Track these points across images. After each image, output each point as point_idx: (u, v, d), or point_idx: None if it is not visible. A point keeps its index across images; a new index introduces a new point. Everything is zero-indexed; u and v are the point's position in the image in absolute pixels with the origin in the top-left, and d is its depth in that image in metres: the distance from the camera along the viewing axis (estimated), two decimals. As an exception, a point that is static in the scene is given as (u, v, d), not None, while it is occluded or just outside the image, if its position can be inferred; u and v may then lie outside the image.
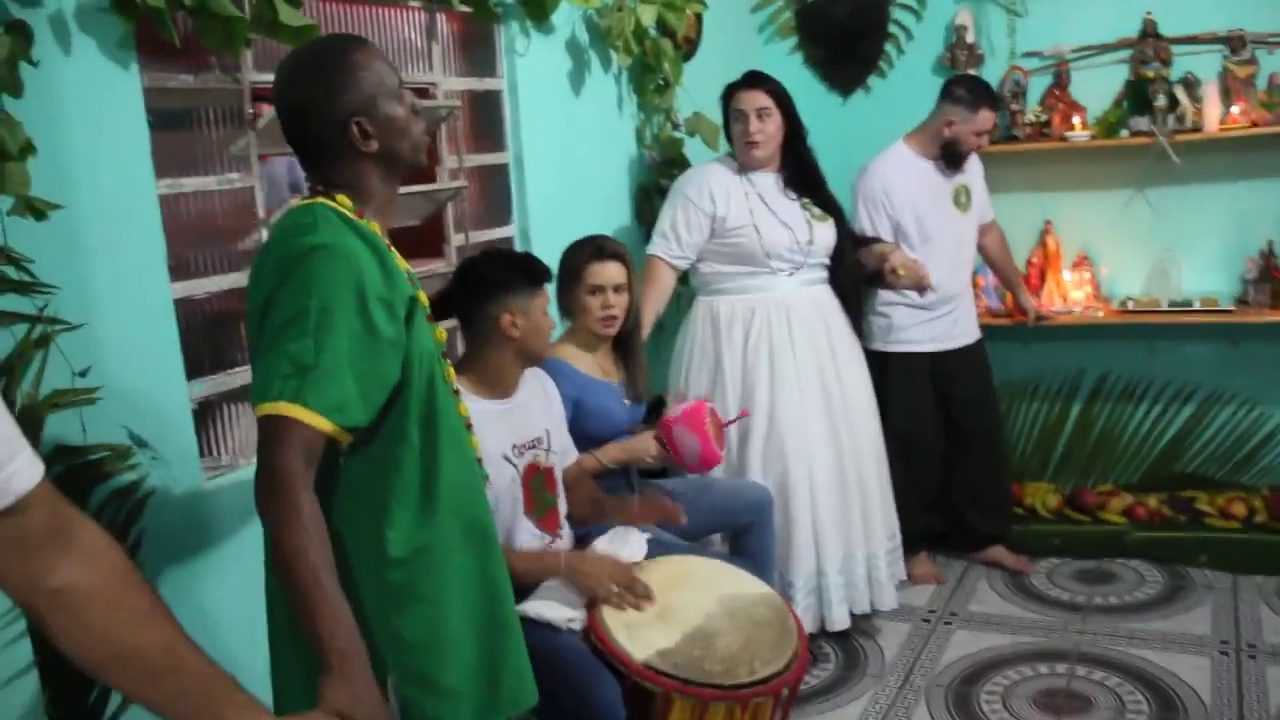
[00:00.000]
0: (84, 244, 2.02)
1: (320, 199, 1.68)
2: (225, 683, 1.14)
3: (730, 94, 3.38)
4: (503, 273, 2.45)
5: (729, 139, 3.46)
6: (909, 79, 4.44)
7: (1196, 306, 4.04)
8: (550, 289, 2.56)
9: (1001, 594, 3.92)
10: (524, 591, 2.38)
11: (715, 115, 3.75)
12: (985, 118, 3.75)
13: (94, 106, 2.04)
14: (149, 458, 2.15)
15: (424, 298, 1.77)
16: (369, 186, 1.72)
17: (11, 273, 1.87)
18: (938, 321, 3.85)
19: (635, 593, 2.41)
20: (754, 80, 3.35)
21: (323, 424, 1.53)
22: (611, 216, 3.71)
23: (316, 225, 1.60)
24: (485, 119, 3.27)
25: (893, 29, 4.47)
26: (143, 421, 2.13)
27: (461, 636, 1.76)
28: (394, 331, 1.62)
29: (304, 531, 1.50)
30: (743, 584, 2.59)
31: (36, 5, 1.92)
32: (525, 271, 2.48)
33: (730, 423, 3.09)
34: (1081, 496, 4.31)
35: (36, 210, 1.83)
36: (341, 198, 1.68)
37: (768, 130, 3.32)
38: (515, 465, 2.46)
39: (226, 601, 2.28)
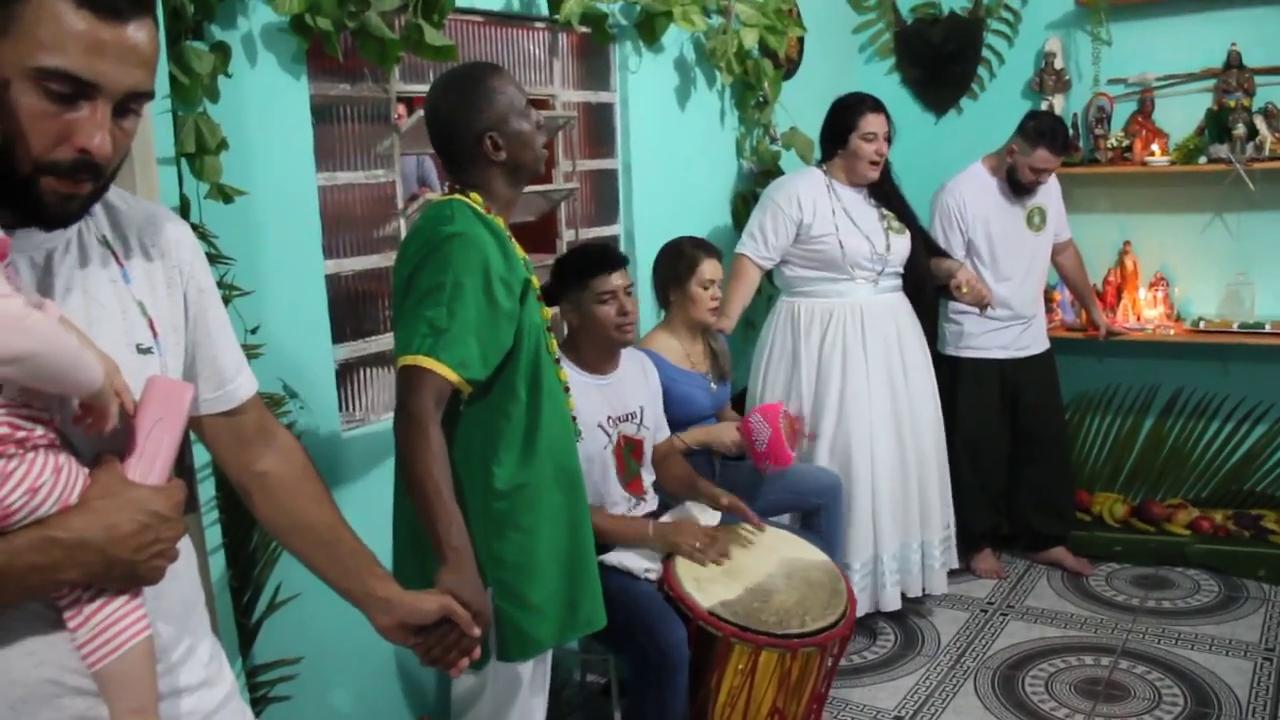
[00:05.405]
0: (258, 224, 2.43)
1: (457, 196, 2.06)
2: (369, 557, 1.50)
3: (860, 113, 3.55)
4: (582, 263, 2.79)
5: (834, 150, 3.63)
6: (999, 102, 4.65)
7: (1268, 329, 4.17)
8: (633, 272, 2.86)
9: (1059, 592, 4.13)
10: (609, 544, 2.74)
11: (810, 131, 4.04)
12: (1041, 156, 3.91)
13: (271, 110, 2.45)
14: (299, 407, 2.55)
15: (536, 281, 2.13)
16: (497, 188, 2.09)
17: (203, 246, 2.27)
18: (1006, 330, 4.08)
19: (714, 549, 2.75)
20: (881, 106, 3.59)
21: (450, 375, 1.91)
22: (710, 219, 4.03)
23: (454, 217, 1.98)
24: (598, 128, 3.63)
25: (986, 53, 4.70)
26: (295, 376, 2.54)
27: (549, 562, 2.10)
28: (510, 306, 1.98)
29: (431, 455, 1.88)
30: (803, 551, 2.91)
31: (233, 27, 2.33)
32: (601, 260, 2.79)
33: (806, 434, 3.40)
34: (1149, 508, 4.46)
35: (226, 195, 2.25)
36: (475, 195, 2.06)
37: (884, 153, 3.60)
38: (609, 434, 2.80)
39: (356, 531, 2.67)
